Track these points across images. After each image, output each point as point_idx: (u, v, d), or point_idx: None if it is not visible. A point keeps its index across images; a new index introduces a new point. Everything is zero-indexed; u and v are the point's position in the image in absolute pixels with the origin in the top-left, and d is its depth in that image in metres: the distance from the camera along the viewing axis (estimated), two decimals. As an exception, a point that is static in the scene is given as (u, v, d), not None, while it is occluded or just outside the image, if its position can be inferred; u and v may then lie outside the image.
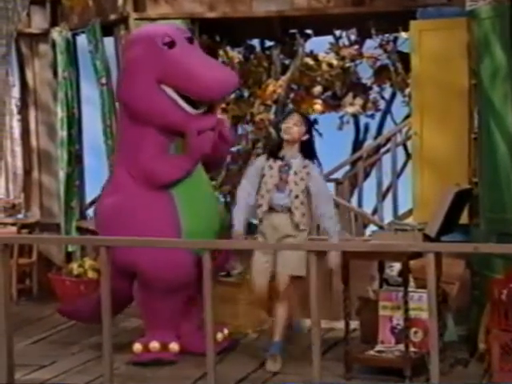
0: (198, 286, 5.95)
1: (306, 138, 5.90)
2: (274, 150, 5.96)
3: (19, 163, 9.47)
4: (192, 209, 5.99)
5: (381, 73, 8.83)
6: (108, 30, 7.92)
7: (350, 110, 9.23)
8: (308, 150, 5.92)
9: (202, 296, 4.37)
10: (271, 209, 5.86)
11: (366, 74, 9.12)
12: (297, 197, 5.83)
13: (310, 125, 6.10)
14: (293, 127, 5.84)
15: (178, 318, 6.14)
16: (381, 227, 7.47)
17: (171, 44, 5.93)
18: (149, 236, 5.50)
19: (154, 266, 5.84)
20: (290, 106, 8.68)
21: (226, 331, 6.27)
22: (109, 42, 7.99)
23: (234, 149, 8.66)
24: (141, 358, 6.00)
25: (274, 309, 5.91)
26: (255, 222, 6.07)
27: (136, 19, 7.62)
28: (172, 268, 5.88)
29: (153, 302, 6.05)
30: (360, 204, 9.07)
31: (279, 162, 5.87)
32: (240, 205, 5.91)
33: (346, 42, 8.74)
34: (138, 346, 6.03)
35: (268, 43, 8.87)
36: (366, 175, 9.26)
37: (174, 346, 6.06)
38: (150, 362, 5.95)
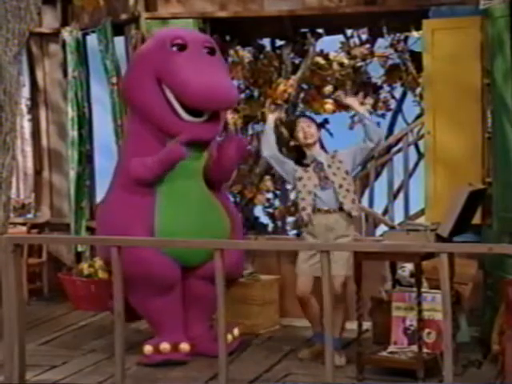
0: (196, 291, 6.03)
1: (319, 134, 6.10)
2: (299, 159, 6.06)
3: (29, 163, 9.47)
4: (173, 212, 5.95)
5: (392, 72, 8.78)
6: (119, 29, 7.91)
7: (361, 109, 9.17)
8: (323, 145, 6.13)
9: (213, 297, 4.34)
10: (319, 210, 5.90)
11: (376, 73, 9.09)
12: (341, 186, 5.90)
13: (315, 122, 6.24)
14: (309, 129, 5.98)
15: (180, 317, 6.11)
16: (392, 227, 7.44)
17: (181, 47, 5.91)
18: (117, 234, 5.53)
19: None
20: (301, 105, 8.65)
21: (236, 332, 6.24)
22: (119, 41, 7.98)
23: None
24: (151, 359, 5.98)
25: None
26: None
27: (147, 19, 7.62)
28: (137, 267, 5.77)
29: (145, 304, 6.04)
30: (371, 204, 9.04)
31: (311, 165, 5.97)
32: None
33: (357, 41, 8.70)
34: (148, 348, 6.01)
35: (279, 42, 8.84)
36: (377, 175, 9.22)
37: (184, 346, 6.03)
38: (160, 363, 5.93)
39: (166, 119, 5.89)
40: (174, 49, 5.91)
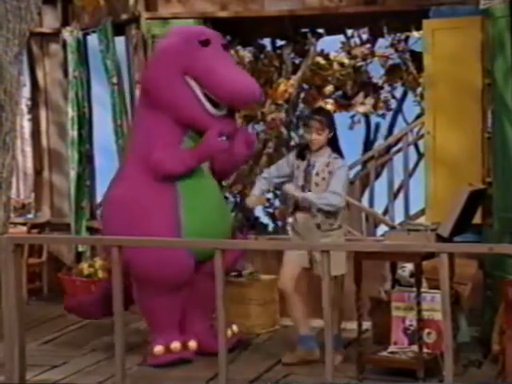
0: (200, 288, 5.98)
1: (331, 135, 5.89)
2: (301, 151, 5.98)
3: (29, 163, 9.47)
4: (195, 210, 5.95)
5: (392, 72, 8.81)
6: (119, 29, 7.91)
7: (361, 109, 9.21)
8: (335, 144, 5.93)
9: (213, 296, 4.34)
10: (298, 207, 5.87)
11: (377, 73, 9.11)
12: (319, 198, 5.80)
13: (332, 120, 6.01)
14: (317, 138, 5.84)
15: (185, 315, 6.11)
16: (392, 227, 7.44)
17: (206, 42, 5.95)
18: (146, 230, 5.59)
19: (146, 263, 5.81)
20: (301, 105, 8.65)
21: (234, 327, 6.24)
22: (120, 41, 7.98)
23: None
24: (163, 359, 5.93)
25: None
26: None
27: (147, 19, 7.62)
28: (165, 266, 5.82)
29: (159, 302, 6.00)
30: (371, 204, 9.04)
31: (305, 162, 5.89)
32: (260, 177, 6.05)
33: (358, 41, 8.71)
34: (158, 348, 5.95)
35: (279, 42, 8.85)
36: (377, 175, 9.23)
37: (192, 344, 6.05)
38: (171, 363, 5.91)
39: (193, 112, 5.91)
40: (200, 45, 5.94)
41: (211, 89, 5.85)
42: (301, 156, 5.94)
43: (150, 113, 6.02)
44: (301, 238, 5.91)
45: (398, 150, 8.64)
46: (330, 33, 8.48)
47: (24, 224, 8.41)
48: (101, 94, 8.48)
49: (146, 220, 5.81)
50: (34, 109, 8.75)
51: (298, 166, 5.93)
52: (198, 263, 5.96)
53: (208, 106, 5.90)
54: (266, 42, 8.87)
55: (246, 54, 8.63)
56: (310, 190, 5.84)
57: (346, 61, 8.68)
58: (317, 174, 5.85)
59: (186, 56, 5.90)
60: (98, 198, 8.68)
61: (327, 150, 5.89)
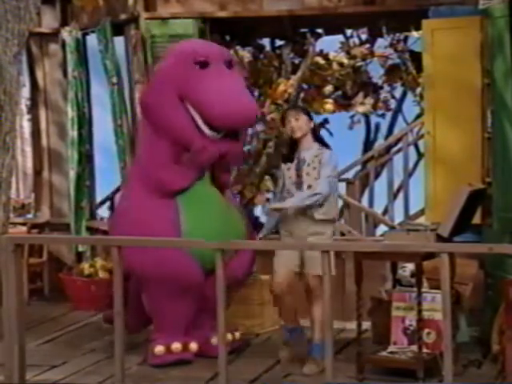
0: (208, 294, 5.95)
1: (312, 124, 5.90)
2: (287, 155, 5.96)
3: (29, 163, 9.48)
4: (196, 219, 5.93)
5: (392, 72, 8.80)
6: (118, 29, 7.91)
7: (361, 109, 9.20)
8: (318, 137, 5.97)
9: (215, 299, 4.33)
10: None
11: (376, 73, 9.11)
12: (309, 187, 5.79)
13: (307, 111, 6.09)
14: (295, 124, 5.83)
15: (192, 317, 6.10)
16: (392, 227, 7.44)
17: (204, 64, 5.87)
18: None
19: (147, 267, 5.83)
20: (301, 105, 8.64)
21: (236, 334, 6.23)
22: (119, 41, 7.99)
23: (244, 148, 8.63)
24: (163, 359, 5.94)
25: (310, 309, 5.81)
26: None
27: (146, 19, 7.62)
28: (168, 269, 5.82)
29: (163, 304, 6.00)
30: (371, 204, 9.04)
31: (295, 161, 5.87)
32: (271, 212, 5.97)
33: (357, 41, 8.71)
34: (159, 348, 5.95)
35: (278, 42, 8.86)
36: (377, 175, 9.22)
37: (193, 346, 6.04)
38: (171, 363, 5.90)
39: (189, 135, 5.86)
40: (197, 67, 5.86)
41: (202, 114, 5.81)
42: (289, 159, 5.90)
43: (151, 132, 6.02)
44: (288, 234, 5.86)
45: (398, 150, 8.63)
46: (329, 33, 8.48)
47: (24, 224, 8.41)
48: (100, 94, 8.50)
49: (150, 235, 5.73)
50: (33, 109, 8.77)
51: (288, 168, 5.88)
52: (208, 271, 5.92)
53: (205, 129, 5.84)
54: (265, 41, 8.87)
55: (246, 54, 8.63)
56: (302, 183, 5.80)
57: (346, 61, 8.67)
58: (308, 165, 5.82)
59: (180, 80, 5.84)
60: (98, 198, 8.69)
61: (315, 145, 5.87)
